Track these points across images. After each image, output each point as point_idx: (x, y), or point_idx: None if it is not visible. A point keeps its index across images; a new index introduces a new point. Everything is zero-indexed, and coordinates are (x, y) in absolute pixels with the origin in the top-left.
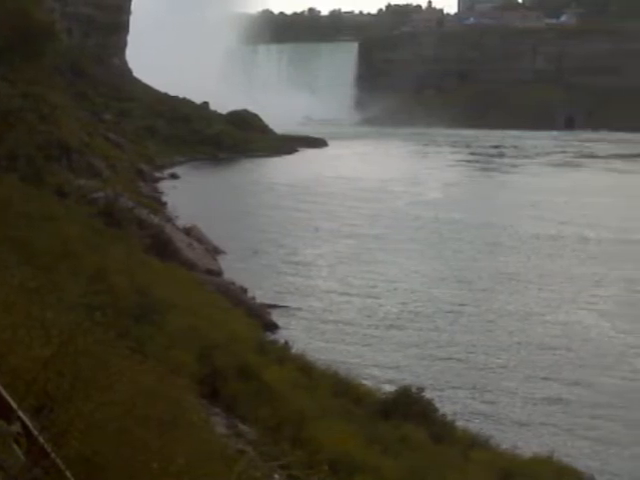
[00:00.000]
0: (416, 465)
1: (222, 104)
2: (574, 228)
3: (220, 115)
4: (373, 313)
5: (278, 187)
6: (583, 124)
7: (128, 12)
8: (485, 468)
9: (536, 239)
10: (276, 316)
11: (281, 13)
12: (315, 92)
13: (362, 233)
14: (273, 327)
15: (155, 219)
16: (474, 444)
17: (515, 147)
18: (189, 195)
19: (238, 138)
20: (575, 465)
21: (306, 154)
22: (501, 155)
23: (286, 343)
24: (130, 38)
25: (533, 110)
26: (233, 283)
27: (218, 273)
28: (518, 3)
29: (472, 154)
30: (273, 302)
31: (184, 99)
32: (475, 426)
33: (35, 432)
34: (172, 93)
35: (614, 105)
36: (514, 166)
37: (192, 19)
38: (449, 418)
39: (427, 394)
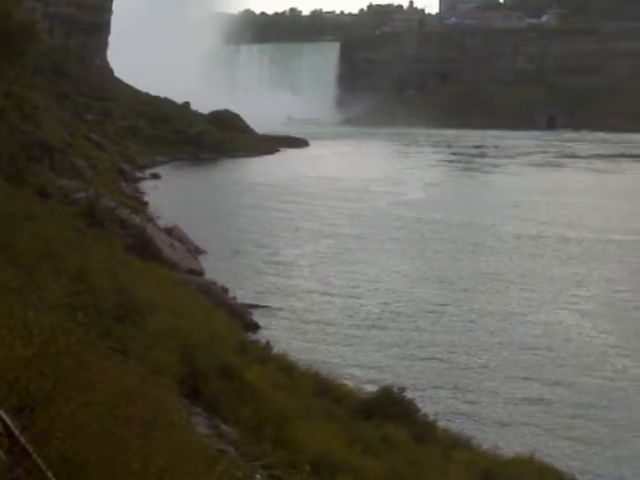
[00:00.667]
0: (397, 465)
1: (203, 104)
2: (555, 228)
3: (201, 115)
4: (354, 313)
5: (259, 187)
6: (564, 124)
7: (109, 12)
8: (466, 468)
9: (517, 239)
10: (257, 316)
11: (262, 13)
12: (296, 92)
13: (343, 233)
14: (254, 327)
15: (137, 219)
16: (455, 444)
17: (496, 147)
18: (170, 195)
19: (219, 138)
20: (556, 465)
21: (287, 154)
22: (482, 155)
23: (267, 343)
24: (111, 38)
25: (514, 110)
26: (214, 283)
27: (199, 273)
28: (499, 3)
29: (453, 154)
30: (254, 302)
31: (165, 99)
32: (456, 426)
33: (17, 432)
34: (153, 93)
35: (595, 105)
36: (495, 166)
37: (173, 19)
38: (430, 418)
39: (408, 394)
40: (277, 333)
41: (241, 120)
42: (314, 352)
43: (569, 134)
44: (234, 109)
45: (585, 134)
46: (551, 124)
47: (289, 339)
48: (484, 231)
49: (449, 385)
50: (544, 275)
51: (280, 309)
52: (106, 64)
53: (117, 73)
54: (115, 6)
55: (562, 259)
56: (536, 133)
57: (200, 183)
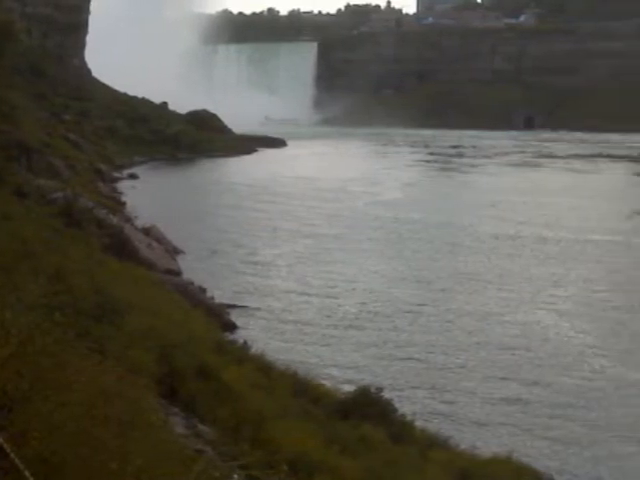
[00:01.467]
0: (375, 465)
1: (181, 104)
2: (533, 228)
3: (179, 115)
4: (332, 313)
5: (237, 187)
6: (542, 124)
7: (87, 12)
8: (444, 468)
9: (495, 239)
10: (235, 316)
11: (240, 13)
12: (274, 92)
13: (321, 233)
14: (232, 327)
15: (114, 219)
16: (433, 444)
17: (474, 147)
18: (148, 195)
19: (197, 138)
20: (534, 465)
21: (265, 154)
22: (460, 155)
23: (245, 343)
24: (89, 38)
25: (492, 110)
26: (192, 283)
27: (177, 273)
28: (477, 3)
29: (431, 154)
30: (232, 302)
31: (143, 99)
32: (434, 426)
33: None
34: (131, 93)
35: (573, 105)
36: (473, 166)
37: (151, 19)
38: (408, 418)
39: (386, 394)
40: (255, 333)
41: (219, 120)
42: (292, 352)
43: (547, 134)
44: (212, 109)
45: (563, 134)
46: (529, 124)
47: (267, 339)
48: (462, 231)
49: (427, 385)
50: (522, 275)
51: (258, 309)
52: (84, 64)
53: (95, 73)
54: (93, 6)
55: (540, 259)
56: (514, 133)
57: (178, 183)
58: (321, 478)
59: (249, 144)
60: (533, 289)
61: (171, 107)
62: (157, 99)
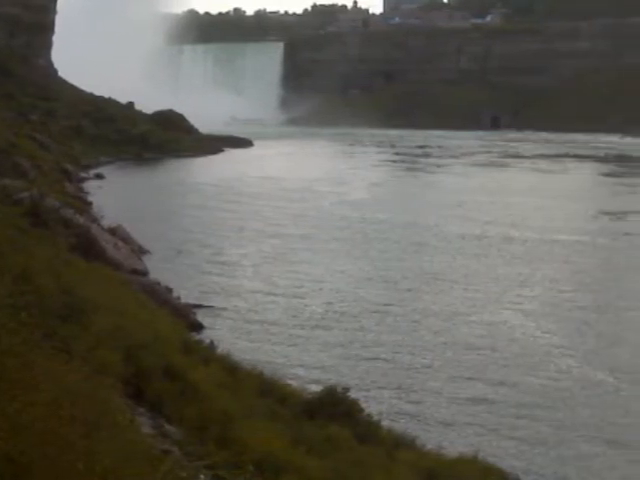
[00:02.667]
0: (341, 465)
1: (147, 104)
2: (499, 228)
3: (145, 115)
4: (299, 313)
5: (203, 187)
6: (508, 124)
7: (54, 12)
8: (410, 468)
9: (461, 239)
10: (201, 316)
11: (206, 13)
12: (241, 92)
13: (287, 233)
14: (198, 327)
15: (80, 219)
16: (399, 444)
17: (440, 147)
18: (114, 195)
19: (163, 138)
20: (500, 465)
21: (231, 154)
22: (426, 155)
23: (211, 343)
24: (55, 38)
25: (458, 110)
26: (158, 283)
27: (143, 273)
28: (443, 3)
29: (397, 154)
30: (198, 302)
31: (109, 99)
32: (400, 426)
33: None
34: (97, 93)
35: (539, 105)
36: (439, 166)
37: (117, 19)
38: (375, 418)
39: (352, 394)
40: (221, 333)
41: (185, 120)
42: (258, 352)
43: (513, 134)
44: (178, 109)
45: (529, 134)
46: (495, 124)
47: (233, 339)
48: (428, 231)
49: (393, 385)
50: (488, 275)
51: (224, 309)
52: (50, 64)
53: (61, 73)
54: (59, 6)
55: (506, 259)
56: (480, 133)
57: (144, 183)
58: (287, 478)
59: (215, 144)
60: (499, 289)
61: (137, 107)
62: (123, 99)
